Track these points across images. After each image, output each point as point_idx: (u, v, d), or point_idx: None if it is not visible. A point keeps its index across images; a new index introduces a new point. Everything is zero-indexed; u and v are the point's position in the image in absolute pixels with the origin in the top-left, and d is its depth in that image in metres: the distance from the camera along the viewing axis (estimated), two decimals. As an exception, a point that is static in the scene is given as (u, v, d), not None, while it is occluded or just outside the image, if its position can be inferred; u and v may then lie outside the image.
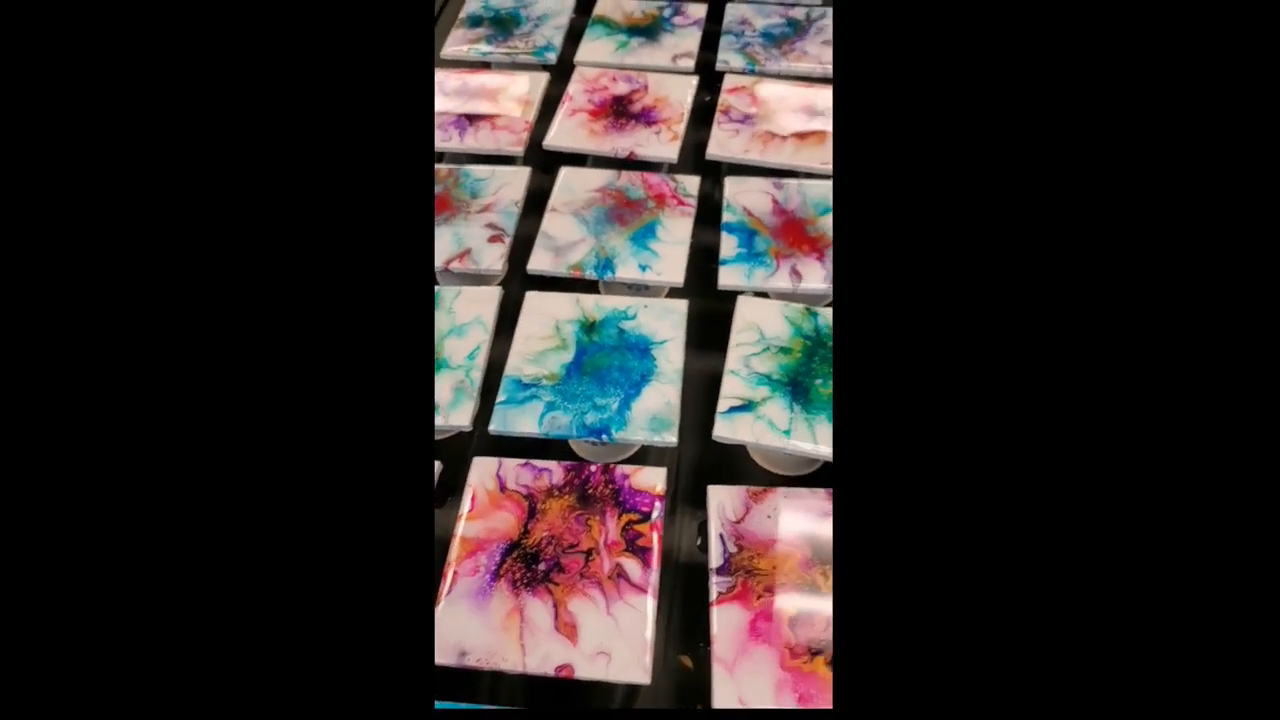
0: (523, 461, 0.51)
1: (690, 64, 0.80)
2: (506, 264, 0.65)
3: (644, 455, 0.59)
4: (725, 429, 0.52)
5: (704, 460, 0.58)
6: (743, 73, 0.79)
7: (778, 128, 0.72)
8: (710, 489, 0.49)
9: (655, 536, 0.47)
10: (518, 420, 0.53)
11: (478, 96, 0.78)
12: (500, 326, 0.59)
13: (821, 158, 0.69)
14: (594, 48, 0.82)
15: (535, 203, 0.70)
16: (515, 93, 0.78)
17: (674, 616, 0.51)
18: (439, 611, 0.44)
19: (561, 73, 0.83)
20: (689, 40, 0.83)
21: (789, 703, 0.40)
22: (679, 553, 0.54)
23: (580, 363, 0.56)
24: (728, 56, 0.80)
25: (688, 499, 0.56)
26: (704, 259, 0.66)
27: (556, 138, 0.73)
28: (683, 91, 0.77)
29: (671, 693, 0.48)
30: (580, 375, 0.55)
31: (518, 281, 0.66)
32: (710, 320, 0.62)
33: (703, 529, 0.55)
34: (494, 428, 0.53)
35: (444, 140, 0.73)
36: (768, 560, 0.46)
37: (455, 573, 0.46)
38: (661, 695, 0.48)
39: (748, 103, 0.75)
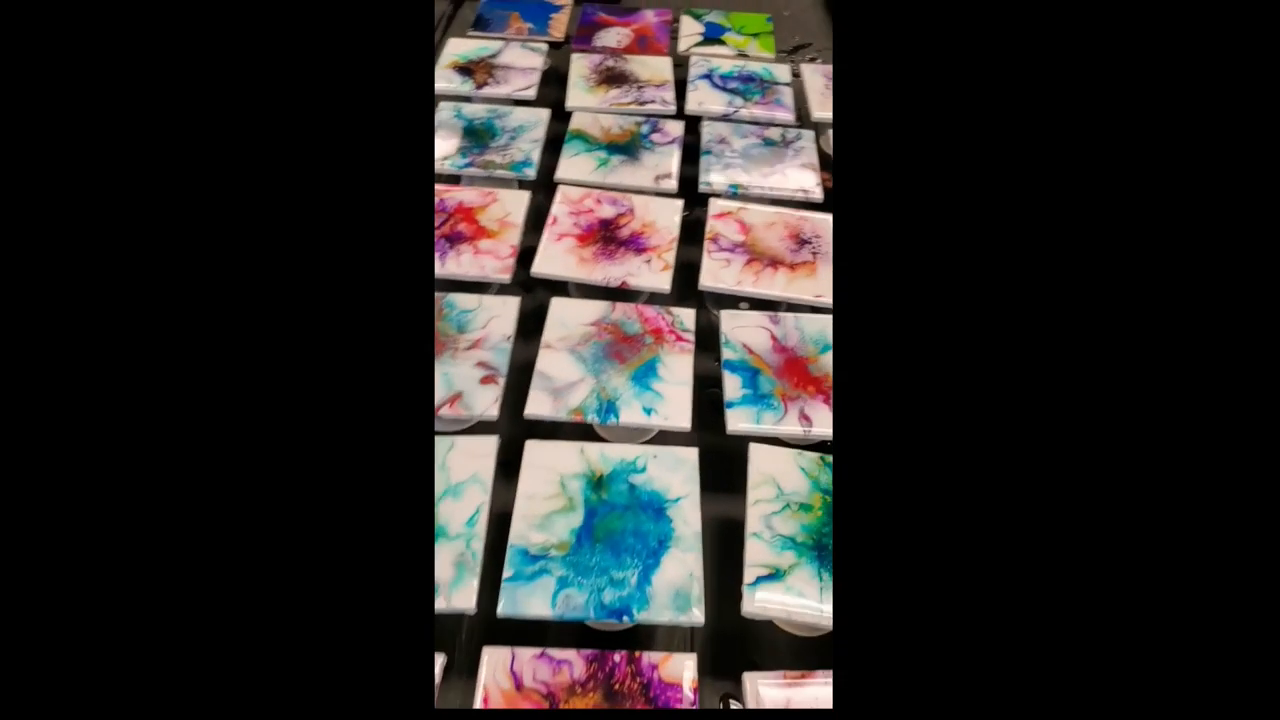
0: (538, 652, 0.46)
1: (673, 185, 0.80)
2: (500, 407, 0.61)
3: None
4: (756, 604, 0.49)
5: (724, 622, 0.54)
6: (727, 196, 0.79)
7: (767, 258, 0.72)
8: (746, 678, 0.46)
9: (693, 740, 0.43)
10: (528, 600, 0.48)
11: (457, 216, 0.74)
12: (498, 471, 0.55)
13: (814, 289, 0.69)
14: (574, 165, 0.81)
15: (524, 328, 0.67)
16: (497, 213, 0.75)
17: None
18: None
19: (541, 186, 0.82)
20: (669, 160, 0.82)
21: None
22: (702, 735, 0.50)
23: (591, 527, 0.52)
24: (710, 178, 0.80)
25: (712, 667, 0.52)
26: (700, 385, 0.64)
27: (545, 264, 0.70)
28: (670, 216, 0.76)
29: None
30: (592, 543, 0.51)
31: (512, 421, 0.62)
32: (718, 455, 0.60)
33: (728, 707, 0.51)
34: (503, 610, 0.48)
35: (423, 265, 0.69)
36: (816, 763, 0.43)
37: (472, 798, 0.41)
38: None
39: (735, 230, 0.74)
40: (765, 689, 0.45)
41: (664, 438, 0.64)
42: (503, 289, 0.73)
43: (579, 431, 0.65)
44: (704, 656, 0.53)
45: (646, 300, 0.72)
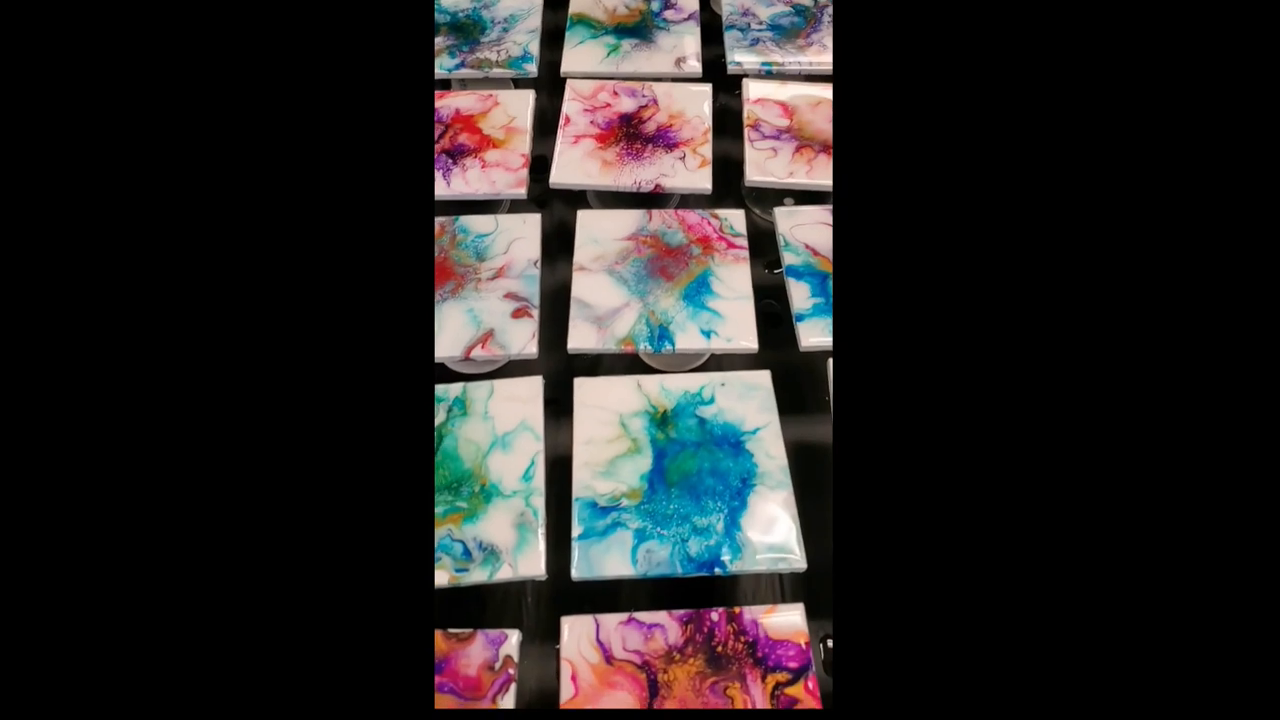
0: (624, 618, 0.41)
1: (697, 68, 0.69)
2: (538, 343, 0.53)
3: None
4: (860, 541, 0.43)
5: (818, 562, 0.48)
6: (760, 76, 0.69)
7: (819, 142, 0.63)
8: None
9: (813, 700, 0.38)
10: (604, 559, 0.42)
11: (456, 126, 0.65)
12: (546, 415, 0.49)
13: (876, 175, 0.60)
14: (581, 54, 0.70)
15: (547, 251, 0.59)
16: (500, 118, 0.65)
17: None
18: None
19: (546, 84, 0.71)
20: (688, 39, 0.72)
21: None
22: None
23: (662, 470, 0.46)
24: (739, 57, 0.70)
25: (809, 613, 0.47)
26: (757, 296, 0.56)
27: (564, 172, 0.61)
28: (699, 104, 0.66)
29: None
30: (667, 488, 0.45)
31: (547, 356, 0.55)
32: (787, 374, 0.53)
33: (829, 647, 0.46)
34: (579, 573, 0.42)
35: (426, 186, 0.60)
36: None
37: (575, 789, 0.36)
38: None
39: (777, 114, 0.65)
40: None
41: (721, 361, 0.57)
42: (513, 206, 0.64)
43: (621, 364, 0.59)
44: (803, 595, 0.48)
45: (677, 205, 0.63)
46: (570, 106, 0.66)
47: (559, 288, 0.57)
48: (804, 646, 0.40)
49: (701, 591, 0.49)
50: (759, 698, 0.38)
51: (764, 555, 0.42)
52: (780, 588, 0.50)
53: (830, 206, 0.59)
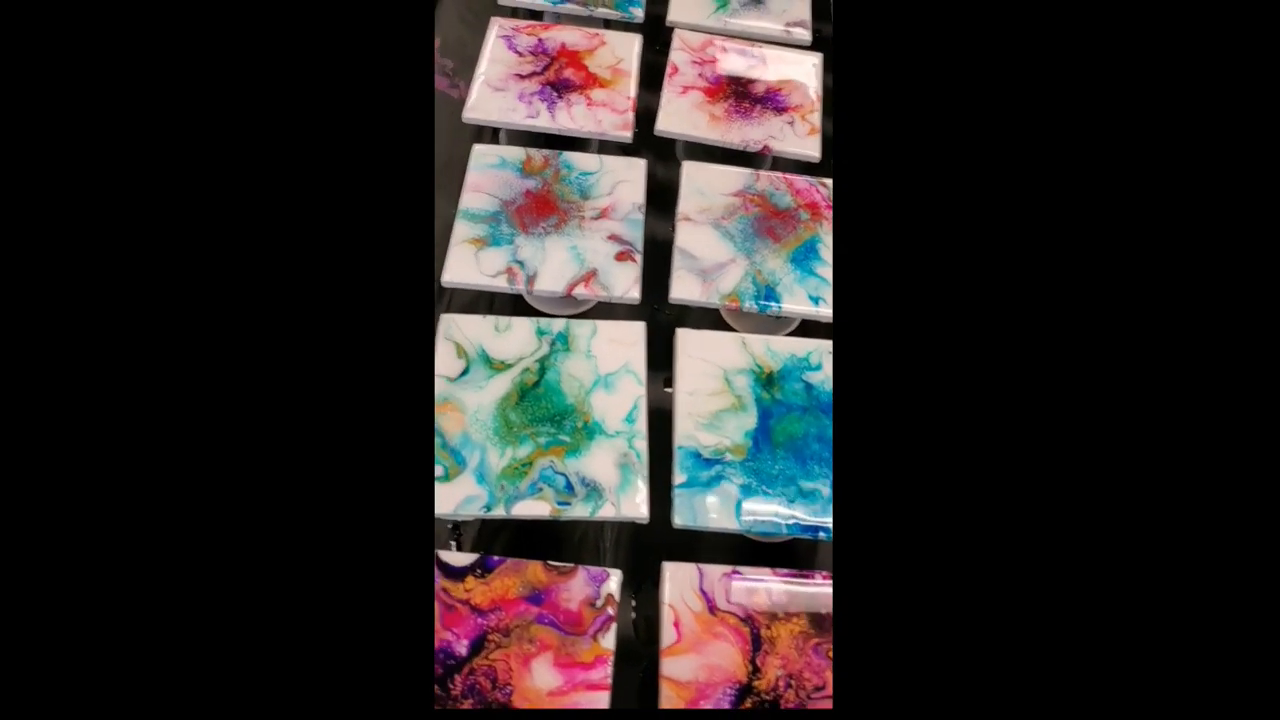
0: (729, 570, 0.40)
1: (806, 36, 0.68)
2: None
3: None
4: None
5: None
6: (869, 52, 0.67)
7: (929, 125, 0.62)
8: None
9: (916, 673, 0.38)
10: (709, 510, 0.42)
11: (561, 60, 0.63)
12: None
13: (984, 166, 0.60)
14: (688, 6, 0.69)
15: (650, 199, 0.57)
16: (606, 58, 0.63)
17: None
18: (665, 790, 0.34)
19: (647, 31, 0.69)
20: (799, 5, 0.70)
21: None
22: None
23: (768, 429, 0.45)
24: (848, 30, 0.68)
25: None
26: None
27: (671, 121, 0.60)
28: (808, 73, 0.65)
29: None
30: (772, 447, 0.44)
31: (642, 304, 0.54)
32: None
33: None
34: (681, 521, 0.41)
35: (530, 116, 0.59)
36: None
37: (676, 732, 0.35)
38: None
39: (888, 91, 0.64)
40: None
41: (810, 329, 0.57)
42: (602, 147, 0.62)
43: (705, 321, 0.58)
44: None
45: (769, 168, 0.62)
46: (678, 56, 0.64)
47: (657, 237, 0.56)
48: (907, 619, 0.39)
49: (778, 555, 0.49)
50: (862, 663, 0.38)
51: (869, 525, 0.42)
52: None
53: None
